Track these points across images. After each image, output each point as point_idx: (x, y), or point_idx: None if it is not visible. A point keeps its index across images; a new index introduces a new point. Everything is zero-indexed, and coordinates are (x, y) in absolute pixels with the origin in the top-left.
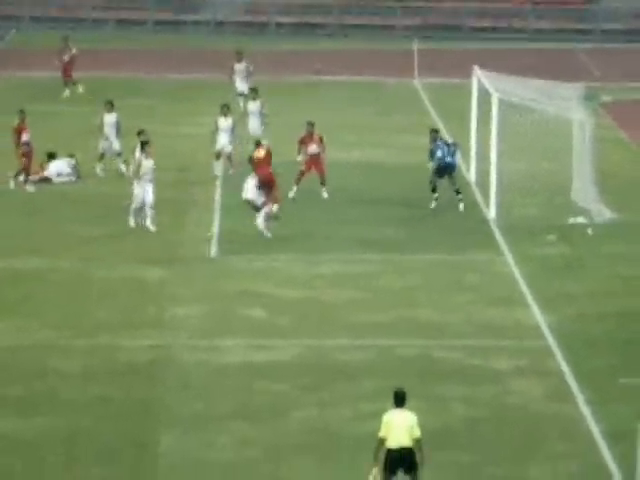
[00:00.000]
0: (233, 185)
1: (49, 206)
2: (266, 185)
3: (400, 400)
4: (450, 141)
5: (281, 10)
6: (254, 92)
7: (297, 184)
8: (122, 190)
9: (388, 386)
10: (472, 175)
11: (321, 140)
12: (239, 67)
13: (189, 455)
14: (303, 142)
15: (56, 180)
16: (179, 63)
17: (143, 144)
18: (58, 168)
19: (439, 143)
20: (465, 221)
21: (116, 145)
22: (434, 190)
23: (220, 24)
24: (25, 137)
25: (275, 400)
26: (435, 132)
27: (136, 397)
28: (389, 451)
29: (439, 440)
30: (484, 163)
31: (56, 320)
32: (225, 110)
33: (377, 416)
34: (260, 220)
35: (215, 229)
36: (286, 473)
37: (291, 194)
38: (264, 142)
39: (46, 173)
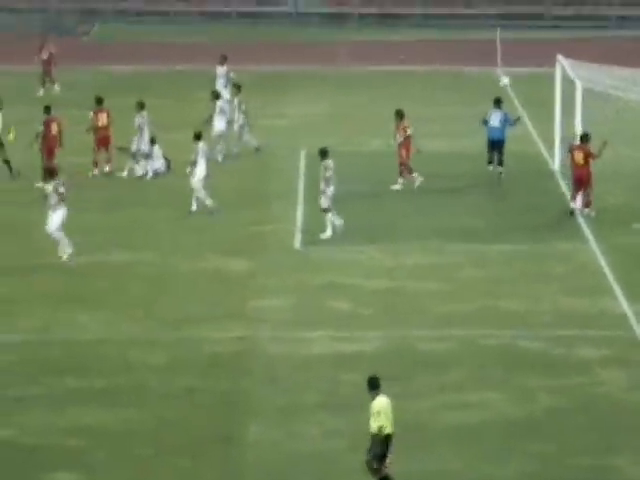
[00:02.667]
0: (316, 176)
1: (129, 199)
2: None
3: (379, 385)
4: (508, 115)
5: (364, 1)
6: (237, 88)
7: (400, 175)
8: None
9: (473, 376)
10: (556, 164)
11: (404, 130)
12: (221, 71)
13: (276, 447)
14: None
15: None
16: (261, 55)
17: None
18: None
19: (495, 112)
20: (549, 210)
21: (135, 146)
22: (489, 162)
23: (302, 15)
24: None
25: (360, 391)
26: (497, 101)
27: (222, 389)
28: (380, 438)
29: (524, 430)
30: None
31: (141, 313)
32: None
33: (462, 407)
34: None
35: (299, 220)
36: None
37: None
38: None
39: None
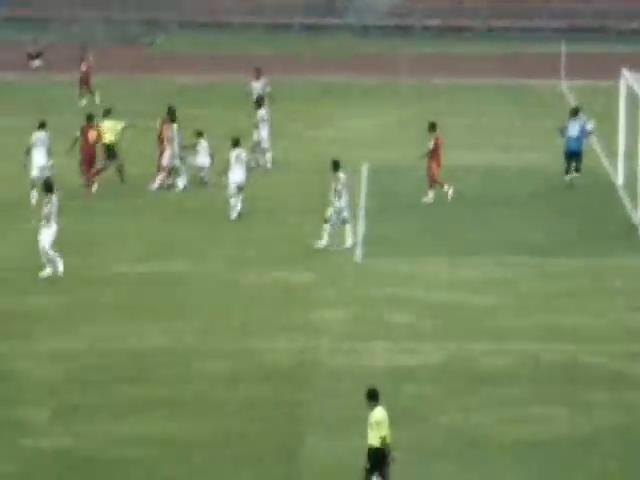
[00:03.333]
0: (378, 189)
1: (193, 209)
2: None
3: (378, 397)
4: (589, 125)
5: (427, 13)
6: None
7: (430, 187)
8: (263, 192)
9: (533, 392)
10: (619, 178)
11: (433, 141)
12: (256, 85)
13: (335, 459)
14: None
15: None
16: (324, 66)
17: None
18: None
19: (573, 122)
20: (612, 225)
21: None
22: (567, 172)
23: (365, 28)
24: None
25: (420, 404)
26: (574, 111)
27: (282, 400)
28: (377, 450)
29: (587, 446)
30: (631, 166)
31: (203, 323)
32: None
33: (522, 422)
34: None
35: (360, 233)
36: (429, 478)
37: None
38: None
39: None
